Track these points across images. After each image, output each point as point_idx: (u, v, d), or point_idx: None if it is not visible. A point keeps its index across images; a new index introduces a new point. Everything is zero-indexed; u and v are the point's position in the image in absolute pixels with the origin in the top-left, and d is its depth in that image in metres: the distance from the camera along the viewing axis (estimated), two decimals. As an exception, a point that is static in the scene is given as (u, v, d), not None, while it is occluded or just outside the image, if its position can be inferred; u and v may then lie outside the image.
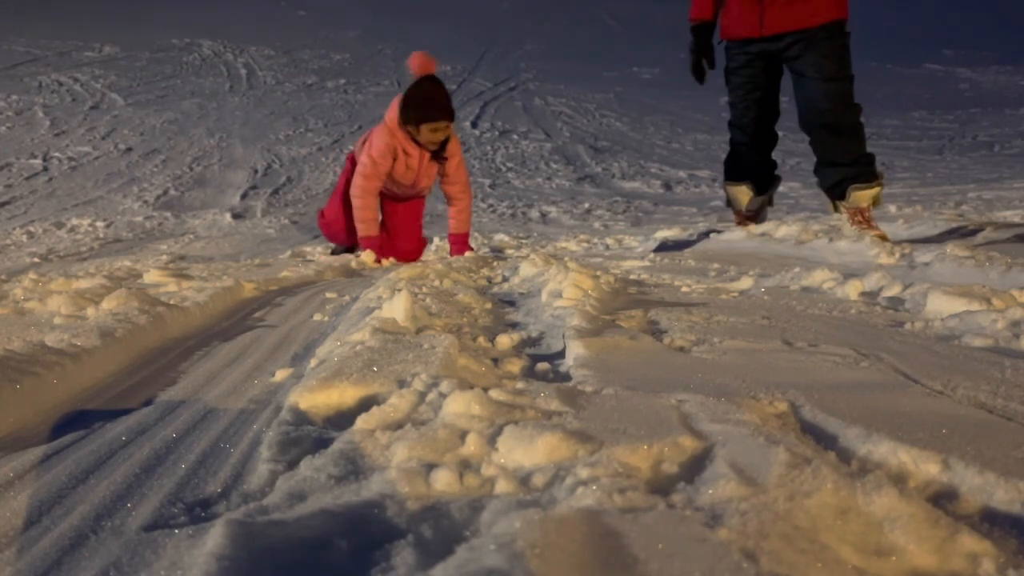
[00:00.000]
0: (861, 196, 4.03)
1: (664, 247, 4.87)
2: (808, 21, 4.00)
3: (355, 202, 4.53)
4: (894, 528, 0.67)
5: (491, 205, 9.23)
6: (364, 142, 4.69)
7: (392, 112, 4.45)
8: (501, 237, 6.80)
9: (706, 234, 5.02)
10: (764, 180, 4.66)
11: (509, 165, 11.68)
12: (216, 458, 1.02)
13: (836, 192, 4.14)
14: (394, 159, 4.48)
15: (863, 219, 4.05)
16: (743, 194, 4.64)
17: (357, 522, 0.72)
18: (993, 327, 1.58)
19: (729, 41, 4.38)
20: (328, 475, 0.82)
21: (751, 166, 4.60)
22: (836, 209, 4.25)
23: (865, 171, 4.04)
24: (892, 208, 4.73)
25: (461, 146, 4.85)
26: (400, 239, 4.83)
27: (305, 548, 0.68)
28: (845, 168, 4.05)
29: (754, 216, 4.75)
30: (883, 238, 3.77)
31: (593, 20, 26.43)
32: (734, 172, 4.65)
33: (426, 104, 4.37)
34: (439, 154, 4.55)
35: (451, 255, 4.55)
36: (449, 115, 4.46)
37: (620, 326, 1.69)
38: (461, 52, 20.45)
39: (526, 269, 2.80)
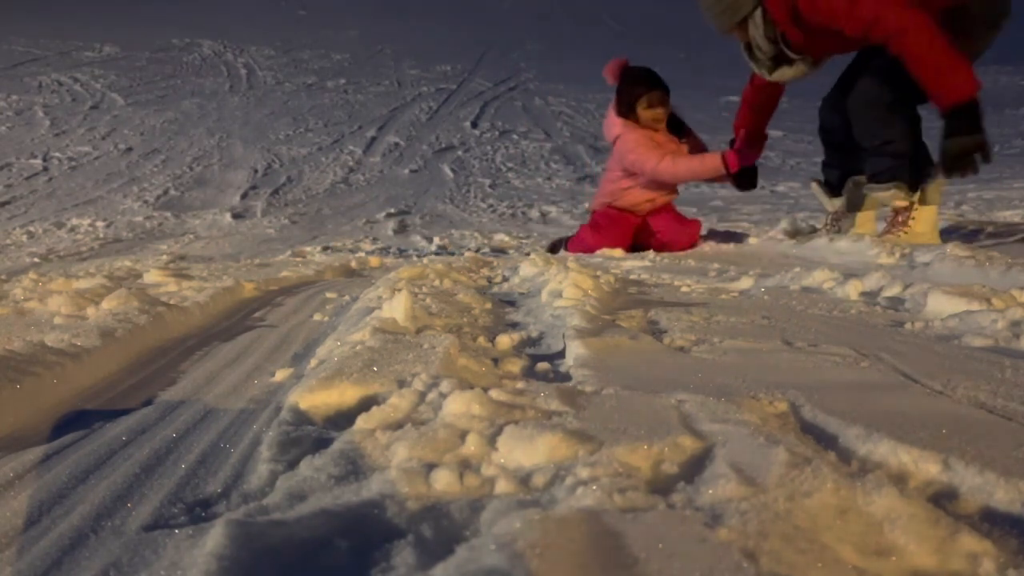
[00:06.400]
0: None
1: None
2: None
3: (669, 176, 4.35)
4: (894, 528, 0.67)
5: (491, 205, 9.23)
6: (603, 191, 4.70)
7: (613, 117, 4.46)
8: (501, 237, 6.80)
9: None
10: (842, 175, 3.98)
11: (509, 165, 11.67)
12: (216, 458, 1.02)
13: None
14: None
15: (900, 219, 3.73)
16: (820, 192, 4.14)
17: (357, 522, 0.72)
18: (993, 327, 1.58)
19: None
20: (328, 475, 0.82)
21: (846, 156, 3.92)
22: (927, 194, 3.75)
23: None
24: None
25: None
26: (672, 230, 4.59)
27: (305, 548, 0.68)
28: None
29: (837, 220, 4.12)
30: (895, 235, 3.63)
31: (593, 20, 26.42)
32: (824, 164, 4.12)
33: (635, 81, 4.34)
34: (676, 134, 4.45)
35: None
36: (660, 85, 4.36)
37: (620, 326, 1.69)
38: (461, 52, 20.45)
39: (526, 269, 2.80)
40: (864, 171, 3.80)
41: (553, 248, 5.01)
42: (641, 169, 4.36)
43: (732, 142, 4.27)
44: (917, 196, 3.70)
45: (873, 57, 3.60)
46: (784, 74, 3.73)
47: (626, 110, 4.41)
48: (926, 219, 3.71)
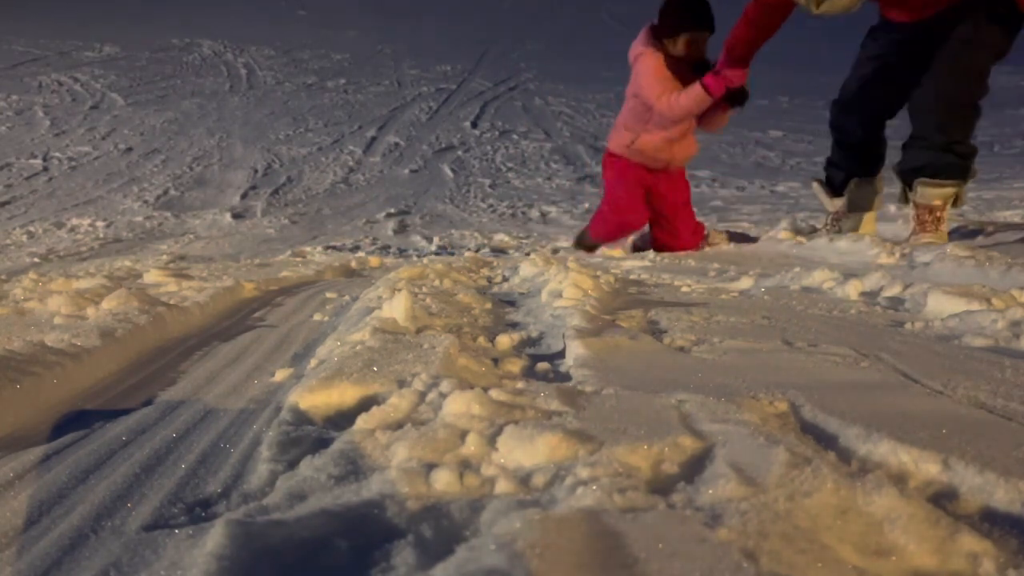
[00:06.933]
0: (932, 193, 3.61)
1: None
2: None
3: (676, 115, 4.26)
4: (894, 528, 0.67)
5: (491, 205, 9.23)
6: (619, 126, 4.61)
7: (644, 37, 4.38)
8: (501, 237, 6.79)
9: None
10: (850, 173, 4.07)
11: (509, 165, 11.67)
12: (216, 458, 1.02)
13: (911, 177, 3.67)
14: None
15: (932, 219, 3.63)
16: (821, 192, 4.20)
17: (357, 522, 0.72)
18: (993, 327, 1.58)
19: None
20: (328, 475, 0.82)
21: (855, 158, 4.02)
22: (906, 199, 3.77)
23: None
24: (892, 208, 4.68)
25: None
26: (678, 224, 4.63)
27: (305, 548, 0.68)
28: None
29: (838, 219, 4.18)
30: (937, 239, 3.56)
31: (593, 20, 26.42)
32: (834, 165, 4.17)
33: (688, 13, 4.22)
34: (701, 69, 4.28)
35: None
36: (709, 28, 4.26)
37: (620, 326, 1.69)
38: (461, 52, 20.44)
39: (526, 269, 2.80)
40: (916, 166, 3.66)
41: (580, 241, 4.97)
42: (646, 95, 4.32)
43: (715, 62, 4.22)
44: (956, 197, 3.67)
45: (931, 55, 3.57)
46: (834, 5, 3.56)
47: (664, 33, 4.29)
48: (946, 222, 3.72)
